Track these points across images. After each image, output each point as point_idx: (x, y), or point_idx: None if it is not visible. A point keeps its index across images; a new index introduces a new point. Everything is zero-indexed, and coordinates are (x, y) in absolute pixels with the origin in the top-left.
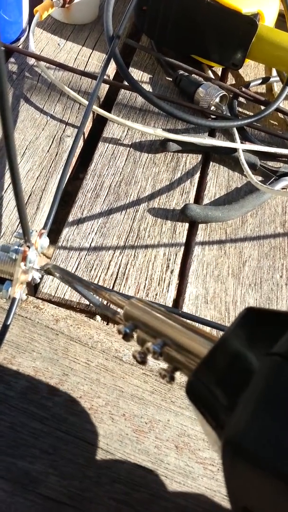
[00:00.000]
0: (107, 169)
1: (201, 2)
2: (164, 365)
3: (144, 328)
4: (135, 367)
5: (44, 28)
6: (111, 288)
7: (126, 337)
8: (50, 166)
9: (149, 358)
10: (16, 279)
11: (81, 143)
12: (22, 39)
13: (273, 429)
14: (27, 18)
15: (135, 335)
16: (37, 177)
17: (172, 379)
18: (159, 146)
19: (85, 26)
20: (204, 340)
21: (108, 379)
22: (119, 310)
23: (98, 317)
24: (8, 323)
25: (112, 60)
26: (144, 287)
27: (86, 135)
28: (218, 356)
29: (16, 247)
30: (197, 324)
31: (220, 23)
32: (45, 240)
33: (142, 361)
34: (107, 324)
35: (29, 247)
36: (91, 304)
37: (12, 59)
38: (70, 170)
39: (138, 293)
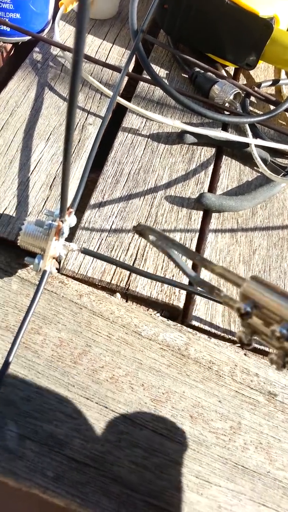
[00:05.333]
0: (126, 157)
1: (221, 2)
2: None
3: (264, 309)
4: (153, 342)
5: (66, 21)
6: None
7: (246, 316)
8: (73, 152)
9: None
10: (47, 253)
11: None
12: (46, 30)
13: None
14: (52, 10)
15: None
16: (61, 161)
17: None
18: (176, 138)
19: (106, 21)
20: None
21: (128, 352)
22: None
23: (118, 295)
24: (39, 293)
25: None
26: (162, 268)
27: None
28: None
29: (50, 222)
30: (211, 304)
31: (238, 24)
32: (73, 218)
33: (248, 343)
34: (126, 301)
35: (62, 222)
36: (112, 282)
37: (36, 49)
38: (93, 156)
39: (156, 273)
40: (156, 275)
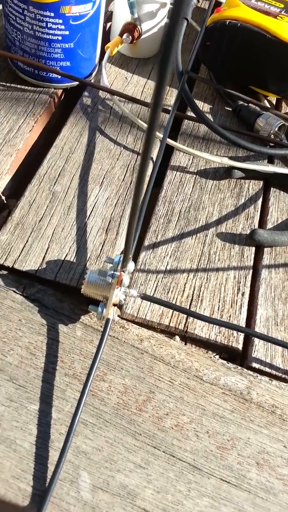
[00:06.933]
0: (176, 196)
1: (263, 37)
2: None
3: None
4: (215, 387)
5: (112, 63)
6: (187, 308)
7: None
8: (126, 194)
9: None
10: (110, 301)
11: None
12: (94, 73)
13: None
14: (99, 54)
15: None
16: (115, 204)
17: None
18: (223, 173)
19: (149, 59)
20: None
21: (191, 397)
22: None
23: (177, 337)
24: (104, 341)
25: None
26: (218, 309)
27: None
28: None
29: (112, 272)
30: (270, 345)
31: (279, 57)
32: (132, 264)
33: None
34: (185, 344)
35: (124, 271)
36: (170, 325)
37: (86, 93)
38: (147, 199)
39: (212, 314)
40: (213, 318)
